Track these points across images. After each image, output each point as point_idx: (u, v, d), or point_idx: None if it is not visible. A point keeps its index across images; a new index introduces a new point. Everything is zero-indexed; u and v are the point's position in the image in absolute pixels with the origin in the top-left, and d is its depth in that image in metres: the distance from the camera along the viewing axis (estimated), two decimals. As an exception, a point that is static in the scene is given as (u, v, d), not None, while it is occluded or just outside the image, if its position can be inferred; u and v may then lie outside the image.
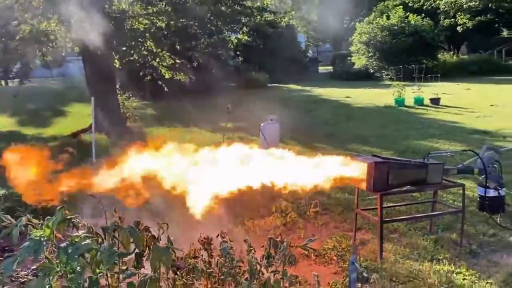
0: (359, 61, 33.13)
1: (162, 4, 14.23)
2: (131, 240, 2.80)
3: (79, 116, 17.87)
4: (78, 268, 2.65)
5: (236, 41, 16.80)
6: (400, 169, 5.24)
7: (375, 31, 31.75)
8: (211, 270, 3.65)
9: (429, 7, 35.92)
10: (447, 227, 6.15)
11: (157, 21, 14.50)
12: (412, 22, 31.31)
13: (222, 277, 3.53)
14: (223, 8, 15.07)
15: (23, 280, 4.45)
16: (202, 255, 3.76)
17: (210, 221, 5.04)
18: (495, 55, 34.22)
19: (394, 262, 5.16)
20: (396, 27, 31.13)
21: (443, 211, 6.10)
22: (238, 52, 23.42)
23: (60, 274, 2.67)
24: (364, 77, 31.06)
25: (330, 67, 40.12)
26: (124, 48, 14.37)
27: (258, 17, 16.22)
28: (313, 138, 12.59)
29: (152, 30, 14.53)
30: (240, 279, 3.46)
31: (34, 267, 4.58)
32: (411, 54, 29.76)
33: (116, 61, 15.08)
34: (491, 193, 5.81)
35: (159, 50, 15.04)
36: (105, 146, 11.62)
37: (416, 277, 4.76)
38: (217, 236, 3.72)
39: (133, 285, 2.82)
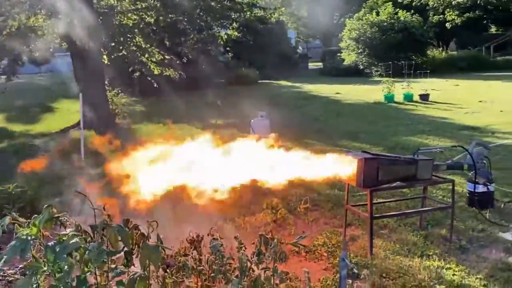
0: (349, 57, 33.16)
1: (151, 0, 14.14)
2: (119, 238, 2.77)
3: (67, 113, 17.74)
4: (66, 267, 2.62)
5: (226, 37, 16.74)
6: (390, 165, 5.25)
7: (365, 27, 31.77)
8: (201, 267, 3.63)
9: (418, 4, 36.03)
10: (437, 223, 6.18)
11: (146, 17, 14.40)
12: (402, 18, 31.36)
13: (212, 274, 3.51)
14: (212, 3, 15.00)
15: (10, 279, 4.40)
16: (192, 253, 3.73)
17: (200, 218, 5.02)
18: (483, 51, 34.37)
19: (384, 258, 5.17)
20: (385, 23, 31.16)
21: (433, 206, 6.12)
22: (228, 48, 23.41)
23: (48, 273, 2.63)
24: (353, 73, 31.09)
25: (320, 63, 40.11)
26: (113, 44, 14.27)
27: (248, 13, 16.17)
28: (303, 135, 12.58)
29: (141, 26, 14.44)
30: (231, 277, 3.45)
31: (22, 265, 4.53)
32: (400, 50, 29.81)
33: (104, 57, 14.96)
34: (480, 188, 5.85)
35: (148, 45, 14.94)
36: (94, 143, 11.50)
37: (406, 273, 4.77)
38: (207, 235, 3.70)
39: (122, 284, 2.79)
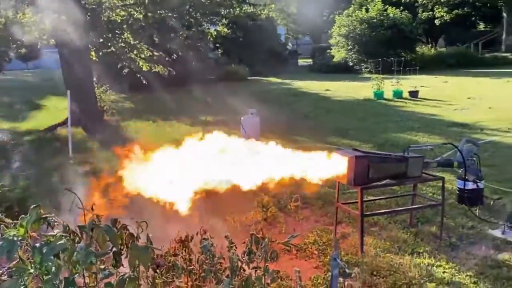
0: (338, 54, 33.19)
1: (140, -5, 14.01)
2: (107, 239, 2.72)
3: (55, 110, 17.55)
4: (53, 268, 2.57)
5: (215, 33, 16.65)
6: (380, 163, 5.25)
7: (354, 24, 31.81)
8: (192, 267, 3.60)
9: (408, 0, 36.18)
10: (427, 220, 6.20)
11: (135, 13, 14.26)
12: (391, 15, 31.44)
13: (203, 274, 3.47)
14: (202, -1, 14.90)
15: (-3, 280, 4.32)
16: (182, 252, 3.69)
17: (191, 217, 4.97)
18: (472, 48, 34.61)
19: (375, 255, 5.18)
20: (375, 20, 31.22)
21: (423, 204, 6.14)
22: (217, 45, 23.26)
23: (35, 275, 2.58)
24: (343, 70, 31.13)
25: (310, 60, 40.13)
26: (101, 40, 14.12)
27: (238, 9, 16.09)
28: (293, 132, 12.57)
29: (129, 22, 14.29)
30: (221, 276, 3.41)
31: (8, 266, 4.46)
32: (390, 47, 29.90)
33: (92, 53, 14.82)
34: (470, 186, 5.86)
35: (137, 42, 14.81)
36: (82, 140, 11.44)
37: (397, 271, 4.78)
38: (197, 234, 3.66)
39: (111, 285, 2.75)
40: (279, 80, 28.14)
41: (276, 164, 4.26)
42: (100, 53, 14.78)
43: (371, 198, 6.67)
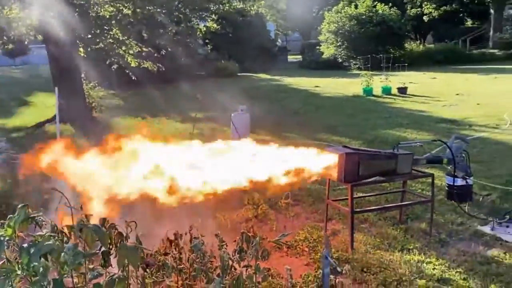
0: (327, 50, 33.22)
1: (129, -9, 13.89)
2: (96, 238, 2.68)
3: (43, 107, 17.38)
4: (41, 269, 2.53)
5: (204, 29, 16.59)
6: (370, 160, 5.25)
7: (343, 20, 31.85)
8: (182, 266, 3.57)
9: (396, -3, 36.34)
10: (417, 217, 6.21)
11: (123, 8, 14.14)
12: (380, 11, 31.51)
13: (193, 273, 3.45)
14: (191, -5, 14.83)
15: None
16: (172, 251, 3.66)
17: (181, 215, 4.94)
18: (460, 44, 34.82)
19: (365, 252, 5.18)
20: (364, 17, 31.28)
21: (412, 200, 6.15)
22: (207, 41, 23.20)
23: (22, 276, 2.54)
24: (332, 67, 31.19)
25: (299, 56, 40.13)
26: (89, 36, 13.99)
27: (227, 5, 16.04)
28: (283, 128, 12.56)
29: (118, 18, 14.17)
30: (212, 275, 3.39)
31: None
32: (378, 44, 29.99)
33: (81, 49, 14.68)
34: (459, 182, 5.89)
35: (126, 38, 14.70)
36: (70, 137, 11.30)
37: (387, 268, 4.78)
38: (186, 233, 3.63)
39: (100, 286, 2.71)
40: (268, 77, 28.11)
41: (266, 161, 4.25)
42: (89, 49, 14.65)
43: (361, 194, 6.68)
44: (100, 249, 2.86)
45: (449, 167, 6.08)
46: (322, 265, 3.19)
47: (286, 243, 5.23)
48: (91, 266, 2.87)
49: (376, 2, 32.12)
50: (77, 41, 13.98)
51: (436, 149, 8.74)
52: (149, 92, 18.99)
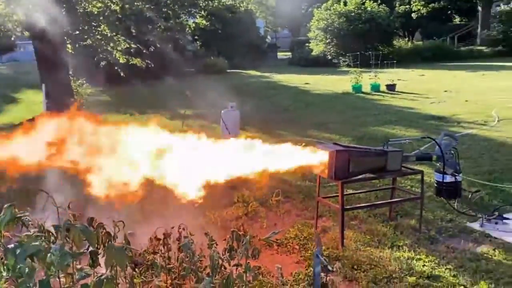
0: (317, 47, 33.27)
1: (117, -13, 13.77)
2: (84, 238, 2.64)
3: (31, 104, 17.19)
4: (27, 270, 2.47)
5: (193, 25, 16.51)
6: (360, 157, 5.24)
7: (333, 18, 31.89)
8: (171, 265, 3.53)
9: (385, -6, 36.45)
10: (406, 213, 6.22)
11: (111, 4, 14.01)
12: (369, 8, 31.61)
13: (182, 272, 3.41)
14: (180, -9, 14.73)
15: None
16: (161, 250, 3.62)
17: (170, 213, 4.89)
18: (448, 41, 35.04)
19: (355, 249, 5.17)
20: (353, 14, 31.35)
21: (402, 197, 6.16)
22: (196, 37, 23.09)
23: (8, 277, 2.48)
24: (322, 64, 31.25)
25: (289, 53, 40.16)
26: (77, 32, 13.84)
27: (216, 1, 15.97)
28: (273, 125, 12.55)
29: (106, 14, 14.03)
30: (202, 275, 3.35)
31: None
32: (367, 41, 30.08)
33: (68, 45, 14.52)
34: (448, 179, 5.90)
35: (114, 34, 14.57)
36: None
37: (377, 265, 4.78)
38: (175, 231, 3.59)
39: (88, 287, 2.67)
40: (258, 73, 28.07)
41: (255, 158, 4.22)
42: (76, 46, 14.50)
43: (351, 191, 6.67)
44: (88, 249, 2.82)
45: (438, 164, 6.09)
46: (314, 264, 3.16)
47: (276, 241, 5.21)
48: (78, 266, 2.83)
49: (365, 0, 32.21)
50: (65, 38, 13.82)
51: (425, 146, 8.77)
52: (137, 89, 18.86)
